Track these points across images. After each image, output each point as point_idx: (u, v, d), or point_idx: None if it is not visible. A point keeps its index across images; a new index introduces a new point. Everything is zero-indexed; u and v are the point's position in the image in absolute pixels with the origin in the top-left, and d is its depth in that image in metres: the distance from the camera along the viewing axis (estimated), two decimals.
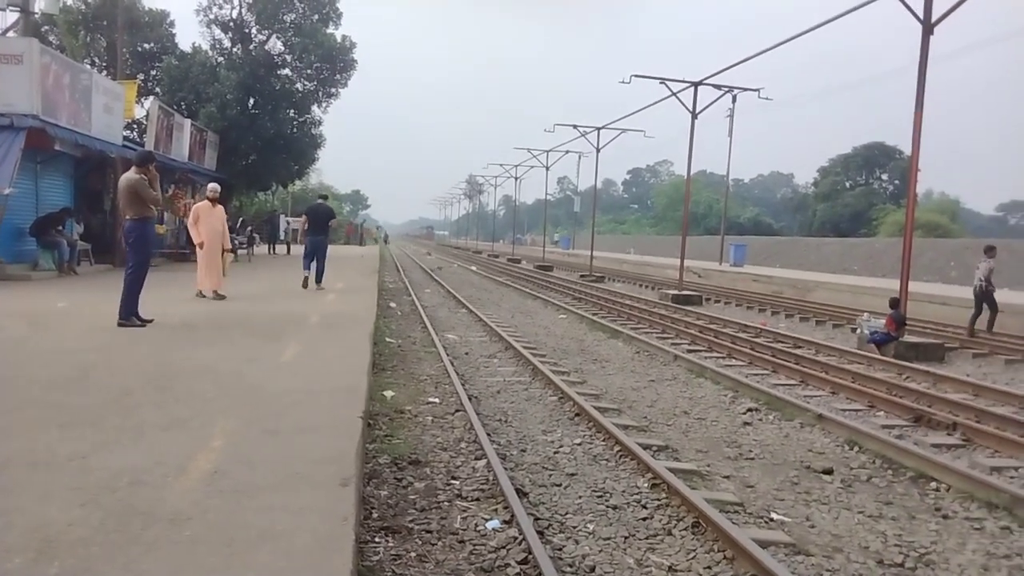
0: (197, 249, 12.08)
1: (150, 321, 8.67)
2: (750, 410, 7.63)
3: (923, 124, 11.93)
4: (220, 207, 12.57)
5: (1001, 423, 6.99)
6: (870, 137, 75.41)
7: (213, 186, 12.67)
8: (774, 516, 4.74)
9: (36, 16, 20.50)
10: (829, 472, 5.72)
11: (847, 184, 68.01)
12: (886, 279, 24.04)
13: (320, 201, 15.66)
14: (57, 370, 6.09)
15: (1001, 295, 18.50)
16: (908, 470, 5.74)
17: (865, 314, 13.24)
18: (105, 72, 24.88)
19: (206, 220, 12.06)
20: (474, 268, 34.91)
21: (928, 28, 11.84)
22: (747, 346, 11.59)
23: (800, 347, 11.93)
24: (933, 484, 5.46)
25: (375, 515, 4.28)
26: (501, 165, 56.98)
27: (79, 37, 27.47)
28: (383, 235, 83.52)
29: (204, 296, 11.83)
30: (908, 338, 11.88)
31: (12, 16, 18.46)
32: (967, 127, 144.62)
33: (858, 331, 12.63)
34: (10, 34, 18.32)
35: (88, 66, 22.75)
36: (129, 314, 8.55)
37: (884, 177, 68.38)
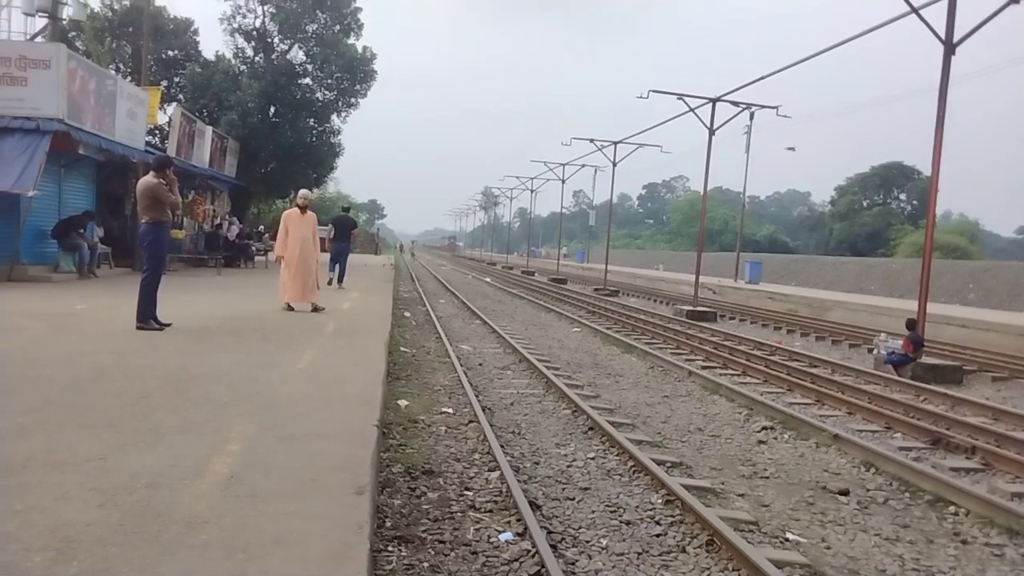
0: (280, 260, 11.44)
1: (168, 325, 8.74)
2: (765, 428, 7.57)
3: (943, 144, 11.87)
4: (311, 215, 11.89)
5: (1022, 448, 6.89)
6: (888, 157, 75.08)
7: (304, 192, 12.10)
8: (789, 536, 4.69)
9: (64, 22, 20.85)
10: (845, 493, 5.66)
11: (864, 203, 67.67)
12: (903, 300, 23.83)
13: (343, 213, 18.18)
14: (76, 371, 6.15)
15: (1017, 319, 18.29)
16: (926, 493, 5.67)
17: (882, 334, 13.13)
18: (129, 78, 25.24)
19: (296, 230, 11.32)
20: (488, 280, 34.95)
21: (950, 48, 11.80)
22: (762, 364, 11.51)
23: (816, 366, 11.83)
24: (952, 508, 5.38)
25: (388, 524, 4.28)
26: (517, 177, 57.09)
27: (105, 43, 27.94)
28: (399, 245, 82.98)
29: (292, 308, 11.26)
30: (926, 360, 11.76)
31: (41, 22, 18.79)
32: (987, 148, 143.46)
33: (875, 351, 12.52)
34: (38, 39, 18.64)
35: (113, 72, 23.11)
36: (146, 317, 8.62)
37: (902, 197, 68.02)
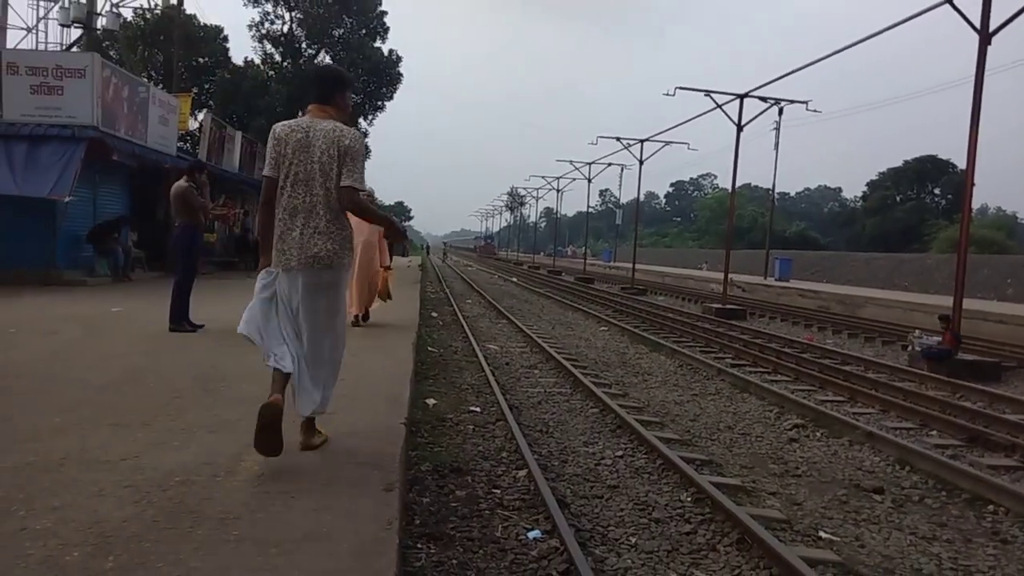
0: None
1: (201, 326, 8.88)
2: (796, 426, 7.47)
3: (979, 137, 11.61)
4: None
5: None
6: (921, 150, 73.58)
7: (369, 188, 11.83)
8: (822, 535, 4.62)
9: (98, 32, 21.33)
10: (879, 491, 5.56)
11: (897, 198, 66.40)
12: (938, 295, 23.35)
13: None
14: (110, 372, 6.26)
15: None
16: (963, 492, 5.55)
17: (916, 331, 12.89)
18: (161, 85, 25.71)
19: (359, 233, 9.81)
20: (515, 280, 34.96)
21: (985, 38, 11.54)
22: (793, 361, 11.36)
23: (848, 363, 11.64)
24: (990, 507, 5.26)
25: (417, 521, 4.30)
26: (543, 177, 57.09)
27: (138, 52, 28.52)
28: (425, 246, 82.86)
29: (358, 323, 10.06)
30: (963, 356, 11.51)
31: (76, 32, 19.23)
32: None
33: (909, 348, 12.29)
34: (74, 49, 19.07)
35: (145, 79, 23.54)
36: (180, 319, 8.77)
37: (936, 192, 66.62)
